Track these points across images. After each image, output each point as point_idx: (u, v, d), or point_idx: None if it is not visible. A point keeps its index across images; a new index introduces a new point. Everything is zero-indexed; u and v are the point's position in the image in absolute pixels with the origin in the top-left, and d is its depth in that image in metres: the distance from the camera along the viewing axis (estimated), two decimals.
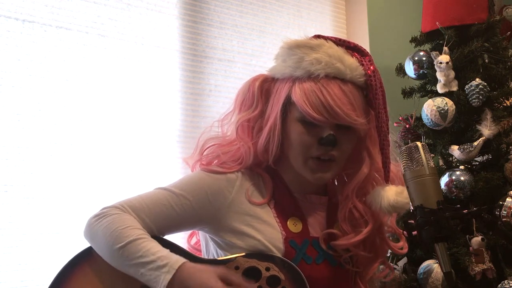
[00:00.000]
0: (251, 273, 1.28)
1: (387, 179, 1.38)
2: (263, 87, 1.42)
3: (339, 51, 1.36)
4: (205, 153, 1.45)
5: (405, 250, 1.51)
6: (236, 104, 1.45)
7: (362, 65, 1.36)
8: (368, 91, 1.37)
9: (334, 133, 1.31)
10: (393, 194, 1.33)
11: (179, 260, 1.23)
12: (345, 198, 1.40)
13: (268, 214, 1.37)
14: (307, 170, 1.36)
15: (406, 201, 1.30)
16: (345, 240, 1.36)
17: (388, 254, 1.66)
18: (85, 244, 1.34)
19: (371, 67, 1.36)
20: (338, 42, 1.39)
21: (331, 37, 1.41)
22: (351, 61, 1.35)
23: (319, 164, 1.34)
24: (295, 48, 1.36)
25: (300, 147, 1.34)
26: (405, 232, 1.31)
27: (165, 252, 1.24)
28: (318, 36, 1.41)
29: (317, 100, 1.30)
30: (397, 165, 1.38)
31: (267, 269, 1.29)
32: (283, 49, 1.40)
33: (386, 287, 1.82)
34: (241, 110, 1.43)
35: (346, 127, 1.33)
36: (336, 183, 1.51)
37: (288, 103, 1.36)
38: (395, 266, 2.12)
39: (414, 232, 1.17)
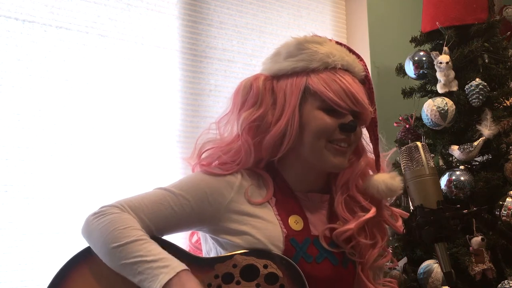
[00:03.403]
0: (249, 271, 1.28)
1: (378, 168, 1.44)
2: (266, 85, 1.42)
3: (342, 47, 1.42)
4: (203, 156, 1.44)
5: (402, 229, 1.51)
6: (234, 104, 1.44)
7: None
8: (367, 84, 1.43)
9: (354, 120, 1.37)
10: (387, 178, 1.39)
11: (181, 265, 1.23)
12: (343, 185, 1.42)
13: (269, 212, 1.37)
14: (328, 155, 1.37)
15: (400, 185, 1.37)
16: (348, 225, 1.37)
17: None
18: (85, 244, 1.34)
19: (364, 64, 1.44)
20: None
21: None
22: (352, 57, 1.42)
23: (339, 148, 1.37)
24: (305, 43, 1.40)
25: (322, 131, 1.36)
26: (402, 215, 1.41)
27: (168, 255, 1.25)
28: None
29: (339, 88, 1.35)
30: (381, 155, 1.46)
31: (265, 266, 1.28)
32: (288, 46, 1.42)
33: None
34: (242, 109, 1.42)
35: (357, 115, 1.38)
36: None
37: (304, 94, 1.38)
38: (395, 266, 2.12)
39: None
